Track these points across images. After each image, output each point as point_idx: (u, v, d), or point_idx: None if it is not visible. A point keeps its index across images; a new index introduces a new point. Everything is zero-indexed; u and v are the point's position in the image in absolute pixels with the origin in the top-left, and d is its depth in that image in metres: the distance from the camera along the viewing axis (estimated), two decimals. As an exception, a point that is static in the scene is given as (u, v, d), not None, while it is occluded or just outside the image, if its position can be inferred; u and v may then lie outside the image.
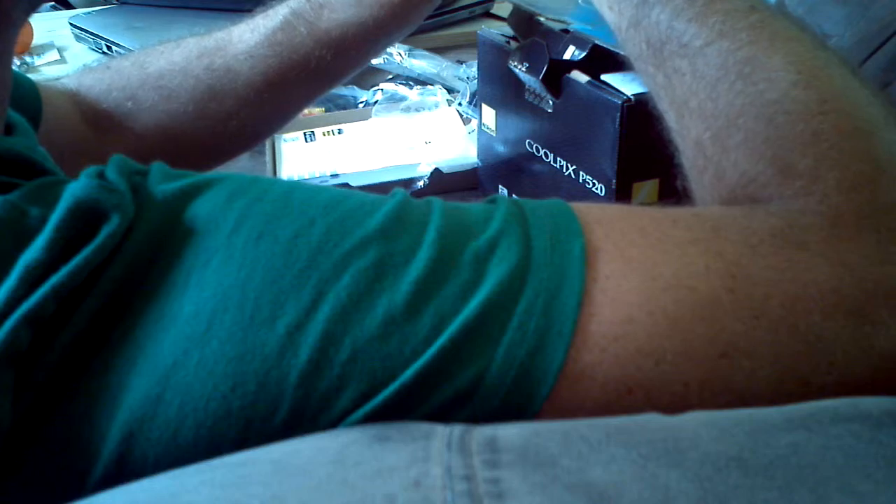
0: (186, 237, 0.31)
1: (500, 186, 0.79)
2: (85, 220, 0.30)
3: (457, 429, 0.28)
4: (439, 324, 0.30)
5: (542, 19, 0.70)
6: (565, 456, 0.26)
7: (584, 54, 0.64)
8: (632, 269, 0.32)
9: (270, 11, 0.65)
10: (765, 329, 0.31)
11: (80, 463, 0.29)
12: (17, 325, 0.28)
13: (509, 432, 0.27)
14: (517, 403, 0.30)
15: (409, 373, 0.29)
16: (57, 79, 0.65)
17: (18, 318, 0.28)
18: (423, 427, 0.28)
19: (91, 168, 0.32)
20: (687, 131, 0.41)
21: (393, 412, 0.29)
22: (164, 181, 0.33)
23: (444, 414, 0.30)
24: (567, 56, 0.66)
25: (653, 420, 0.28)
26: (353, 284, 0.30)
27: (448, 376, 0.30)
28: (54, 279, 0.29)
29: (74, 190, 0.31)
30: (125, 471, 0.29)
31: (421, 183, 0.82)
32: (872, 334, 0.32)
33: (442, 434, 0.27)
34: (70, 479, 0.29)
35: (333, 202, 0.33)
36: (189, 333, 0.29)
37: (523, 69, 0.70)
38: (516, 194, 0.77)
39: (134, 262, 0.30)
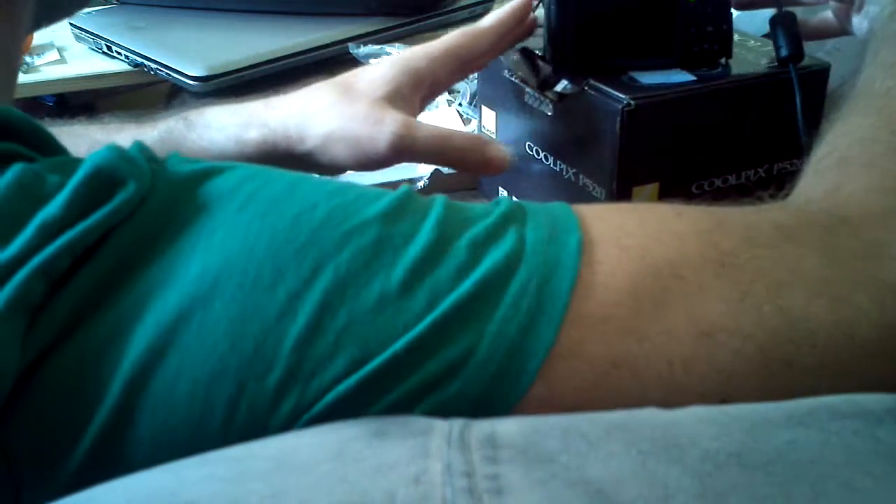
0: (196, 211, 0.33)
1: (499, 188, 0.80)
2: (103, 184, 0.32)
3: (456, 424, 0.28)
4: (433, 301, 0.31)
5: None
6: (564, 452, 0.26)
7: (577, 90, 0.65)
8: (626, 256, 0.33)
9: (169, 120, 0.61)
10: (748, 309, 0.32)
11: (82, 411, 0.30)
12: (31, 276, 0.29)
13: (509, 428, 0.27)
14: (507, 379, 0.31)
15: (400, 343, 0.30)
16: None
17: (33, 268, 0.30)
18: (422, 422, 0.28)
19: (115, 144, 0.34)
20: (861, 118, 0.43)
21: (384, 381, 0.30)
22: (180, 165, 0.35)
23: (433, 386, 0.30)
24: (558, 89, 0.66)
25: (652, 416, 0.28)
26: (351, 260, 0.31)
27: (439, 348, 0.30)
28: (69, 234, 0.30)
29: (95, 157, 0.33)
30: (124, 423, 0.30)
31: (421, 183, 0.82)
32: (854, 319, 0.33)
33: (441, 430, 0.27)
34: (70, 428, 0.30)
35: (338, 191, 0.34)
36: (193, 293, 0.31)
37: (517, 79, 0.70)
38: (516, 196, 0.77)
39: (145, 229, 0.32)
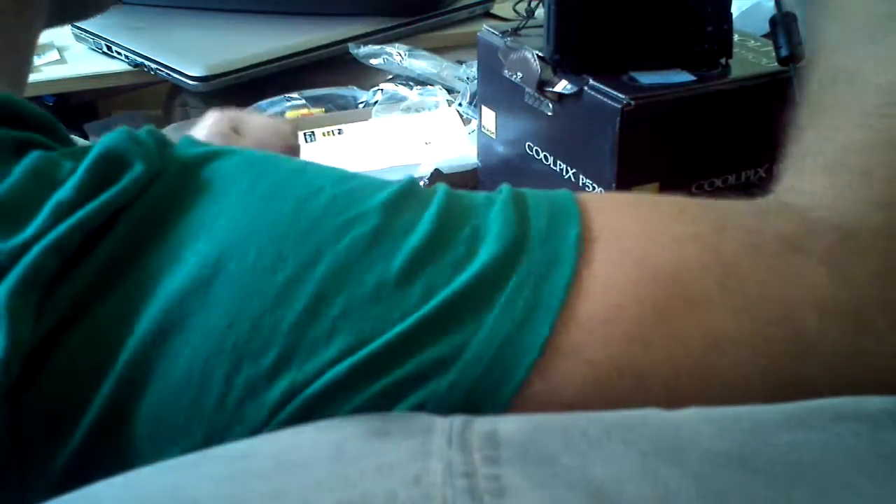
0: (203, 192, 0.34)
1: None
2: (113, 166, 0.33)
3: (457, 422, 0.28)
4: (429, 293, 0.31)
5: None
6: (565, 452, 0.26)
7: (576, 90, 0.65)
8: (626, 258, 0.33)
9: None
10: (756, 324, 0.32)
11: (88, 386, 0.31)
12: (44, 252, 0.31)
13: (509, 427, 0.27)
14: (500, 373, 0.31)
15: (394, 331, 0.30)
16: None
17: (46, 245, 0.31)
18: (423, 421, 0.28)
19: (125, 127, 0.35)
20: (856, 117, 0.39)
21: (376, 368, 0.30)
22: (188, 147, 0.36)
23: (426, 376, 0.31)
24: (558, 89, 0.66)
25: (653, 416, 0.28)
26: (350, 247, 0.32)
27: (434, 339, 0.31)
28: (80, 213, 0.32)
29: (106, 140, 0.34)
30: (126, 399, 0.31)
31: (421, 183, 0.82)
32: (866, 340, 0.32)
33: (442, 428, 0.27)
34: (75, 403, 0.31)
35: (344, 178, 0.35)
36: (196, 275, 0.31)
37: (517, 79, 0.70)
38: (516, 195, 0.77)
39: (154, 208, 0.33)
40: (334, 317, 0.31)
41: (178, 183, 0.34)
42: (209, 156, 0.35)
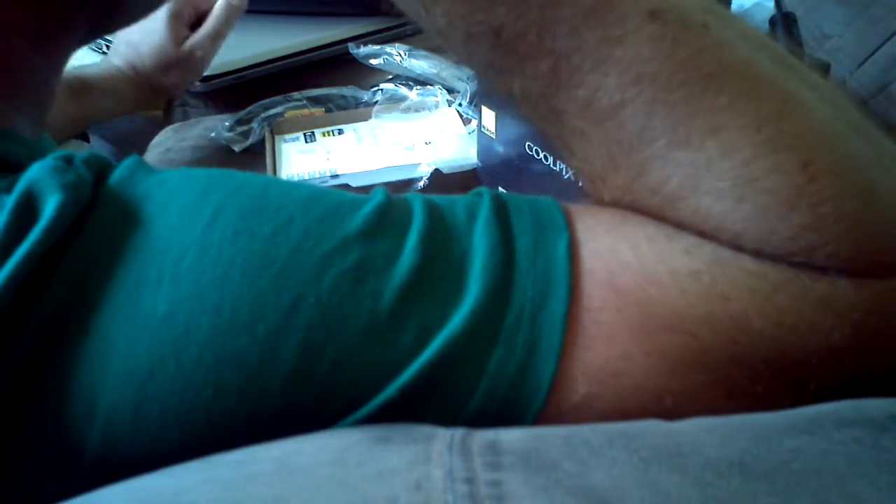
0: (159, 229, 0.30)
1: (500, 188, 0.79)
2: (32, 203, 0.30)
3: (458, 431, 0.28)
4: (423, 335, 0.29)
5: None
6: (567, 459, 0.26)
7: None
8: (626, 302, 0.30)
9: None
10: (776, 381, 0.30)
11: (65, 460, 0.29)
12: None
13: (511, 435, 0.27)
14: (514, 413, 0.30)
15: (395, 386, 0.29)
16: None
17: None
18: (425, 429, 0.28)
19: (59, 152, 0.32)
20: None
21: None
22: (133, 172, 0.32)
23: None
24: None
25: (654, 425, 0.28)
26: (333, 288, 0.29)
27: (437, 393, 0.29)
28: (8, 267, 0.28)
29: (30, 172, 0.31)
30: (110, 471, 0.29)
31: (421, 183, 0.82)
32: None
33: (443, 436, 0.27)
34: (61, 471, 0.29)
35: (311, 199, 0.32)
36: (165, 338, 0.28)
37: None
38: (516, 195, 0.77)
39: (96, 250, 0.30)
40: (326, 372, 0.29)
41: (123, 219, 0.30)
42: (157, 184, 0.32)
